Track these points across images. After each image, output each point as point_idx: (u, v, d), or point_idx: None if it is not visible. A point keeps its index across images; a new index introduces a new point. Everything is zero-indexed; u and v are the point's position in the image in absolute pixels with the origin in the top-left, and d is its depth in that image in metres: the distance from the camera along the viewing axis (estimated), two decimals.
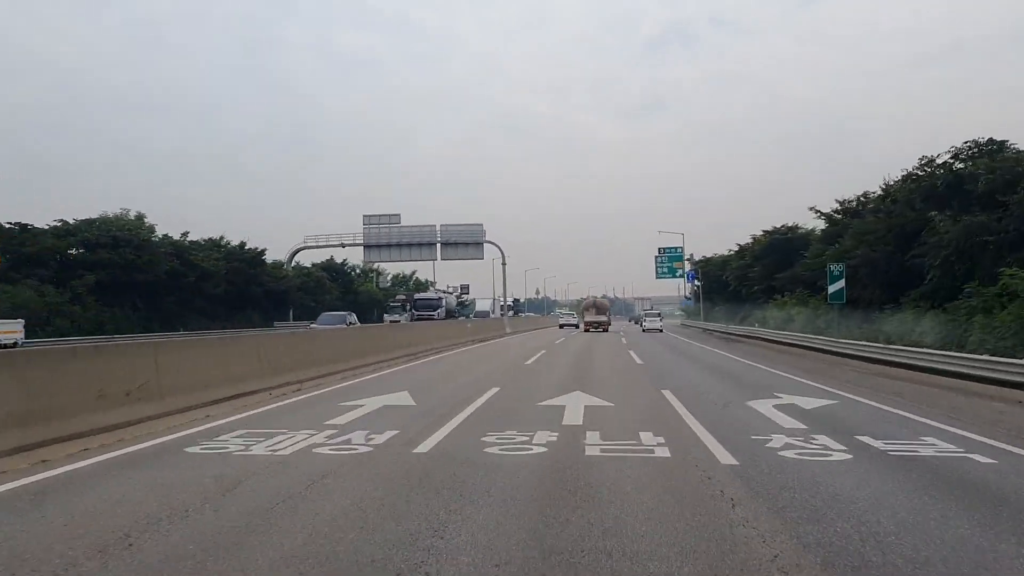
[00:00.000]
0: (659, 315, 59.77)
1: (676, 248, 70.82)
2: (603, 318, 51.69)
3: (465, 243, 66.09)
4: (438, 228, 66.19)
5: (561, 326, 63.38)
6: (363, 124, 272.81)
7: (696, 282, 71.31)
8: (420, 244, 65.84)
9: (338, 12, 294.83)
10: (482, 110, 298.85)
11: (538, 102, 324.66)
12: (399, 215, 66.55)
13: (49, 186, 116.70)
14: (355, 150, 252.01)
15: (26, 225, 42.28)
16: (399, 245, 65.85)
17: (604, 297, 64.61)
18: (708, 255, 73.49)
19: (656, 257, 70.78)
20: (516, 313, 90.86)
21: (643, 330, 54.03)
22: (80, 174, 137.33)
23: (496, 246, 69.60)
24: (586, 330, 50.36)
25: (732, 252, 64.27)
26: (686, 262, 71.18)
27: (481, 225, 66.93)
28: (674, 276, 72.55)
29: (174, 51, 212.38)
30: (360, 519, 4.85)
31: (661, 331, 51.89)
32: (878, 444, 7.56)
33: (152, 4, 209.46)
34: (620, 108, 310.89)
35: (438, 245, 66.18)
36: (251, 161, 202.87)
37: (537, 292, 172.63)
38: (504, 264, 70.36)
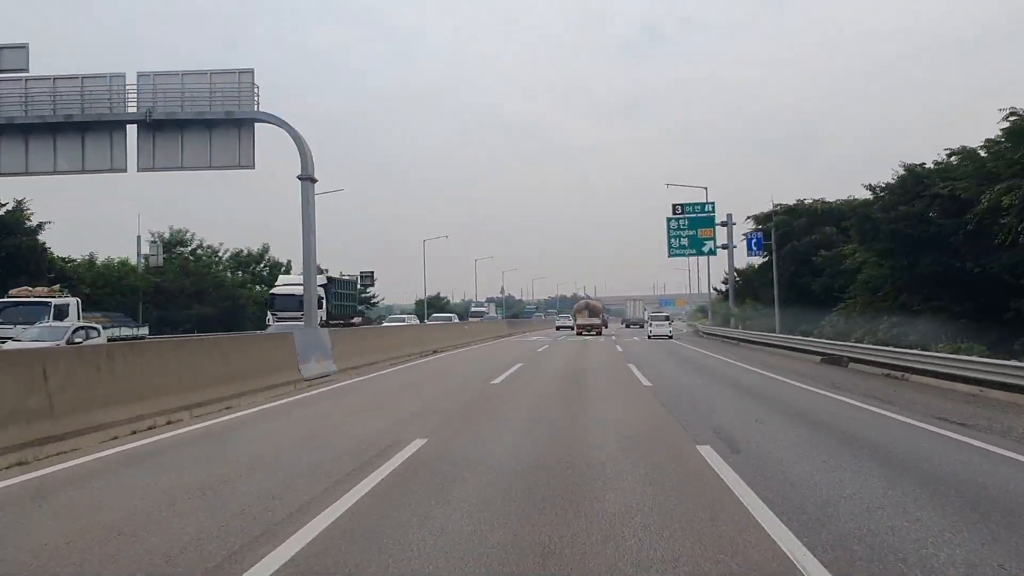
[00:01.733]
0: (667, 319, 48.59)
1: (703, 206, 45.74)
2: (596, 321, 49.75)
3: (207, 120, 21.55)
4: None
5: (558, 327, 61.44)
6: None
7: (761, 252, 42.45)
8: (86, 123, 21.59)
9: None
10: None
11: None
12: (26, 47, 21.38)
13: None
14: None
15: None
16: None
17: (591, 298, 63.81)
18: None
19: (669, 222, 45.77)
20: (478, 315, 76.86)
21: (649, 336, 43.93)
22: None
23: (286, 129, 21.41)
24: (578, 333, 48.36)
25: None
26: (722, 228, 45.90)
27: (251, 76, 21.81)
28: (700, 252, 47.40)
29: None
30: None
31: (671, 337, 42.76)
32: None
33: None
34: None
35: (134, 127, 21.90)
36: None
37: (502, 291, 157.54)
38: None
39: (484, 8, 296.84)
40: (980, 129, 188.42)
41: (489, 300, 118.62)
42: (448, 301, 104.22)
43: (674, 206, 45.58)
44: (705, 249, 46.06)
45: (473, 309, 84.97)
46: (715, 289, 57.07)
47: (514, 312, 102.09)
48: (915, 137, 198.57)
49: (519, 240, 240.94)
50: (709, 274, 77.51)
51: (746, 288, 48.85)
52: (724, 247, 46.14)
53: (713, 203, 45.44)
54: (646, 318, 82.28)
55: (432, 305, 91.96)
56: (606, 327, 74.33)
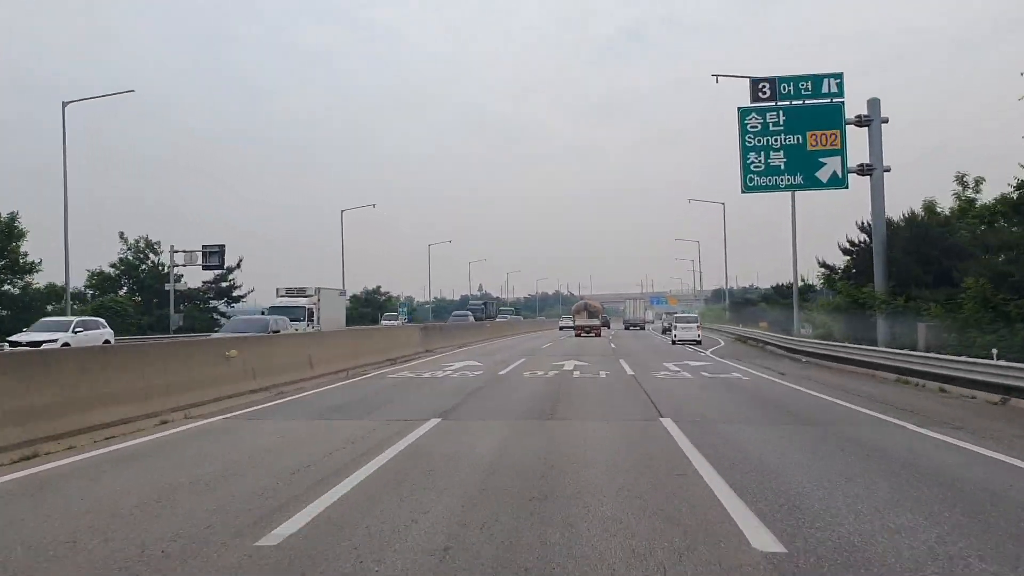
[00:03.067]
0: (696, 320, 39.62)
1: (819, 81, 22.53)
2: (595, 322, 48.91)
3: None
4: None
5: (561, 328, 60.80)
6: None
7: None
8: None
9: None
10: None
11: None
12: None
13: None
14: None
15: None
16: None
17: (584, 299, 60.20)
18: None
19: (744, 122, 22.60)
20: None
21: (674, 341, 37.25)
22: None
23: None
24: (577, 335, 46.99)
25: None
26: (858, 130, 22.64)
27: None
28: (813, 181, 23.51)
29: None
30: None
31: (698, 341, 36.46)
32: None
33: None
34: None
35: None
36: None
37: (480, 288, 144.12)
38: None
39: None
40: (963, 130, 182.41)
41: (465, 297, 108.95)
42: (391, 297, 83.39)
43: (756, 83, 22.33)
44: (824, 173, 22.54)
45: (387, 315, 69.02)
46: (827, 270, 32.45)
47: (485, 310, 75.35)
48: (899, 137, 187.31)
49: (504, 238, 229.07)
50: (726, 266, 68.51)
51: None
52: (863, 169, 22.61)
53: (840, 77, 22.12)
54: (650, 318, 76.64)
55: (369, 302, 76.28)
56: (607, 327, 68.68)
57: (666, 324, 58.97)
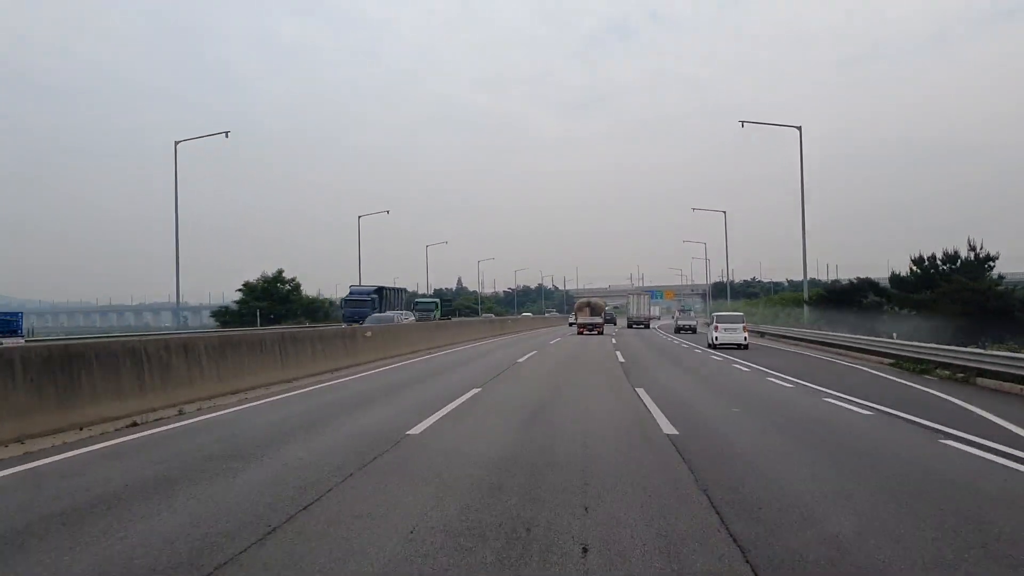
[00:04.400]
0: (741, 320, 31.45)
1: None
2: (597, 320, 48.87)
3: None
4: None
5: (570, 324, 58.81)
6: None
7: None
8: None
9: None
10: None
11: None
12: None
13: None
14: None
15: None
16: None
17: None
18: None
19: None
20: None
21: (713, 344, 30.06)
22: None
23: None
24: (579, 332, 46.97)
25: None
26: None
27: None
28: None
29: None
30: None
31: (745, 346, 29.48)
32: None
33: None
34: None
35: None
36: None
37: (458, 281, 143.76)
38: None
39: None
40: (943, 122, 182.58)
41: (438, 292, 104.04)
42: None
43: None
44: None
45: None
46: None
47: (377, 305, 50.02)
48: (879, 131, 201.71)
49: (484, 231, 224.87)
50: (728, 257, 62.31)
51: None
52: None
53: None
54: (655, 314, 71.32)
55: (267, 293, 61.00)
56: (614, 324, 66.96)
57: (681, 322, 53.76)
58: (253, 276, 63.62)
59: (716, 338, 30.02)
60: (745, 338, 30.01)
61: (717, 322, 31.10)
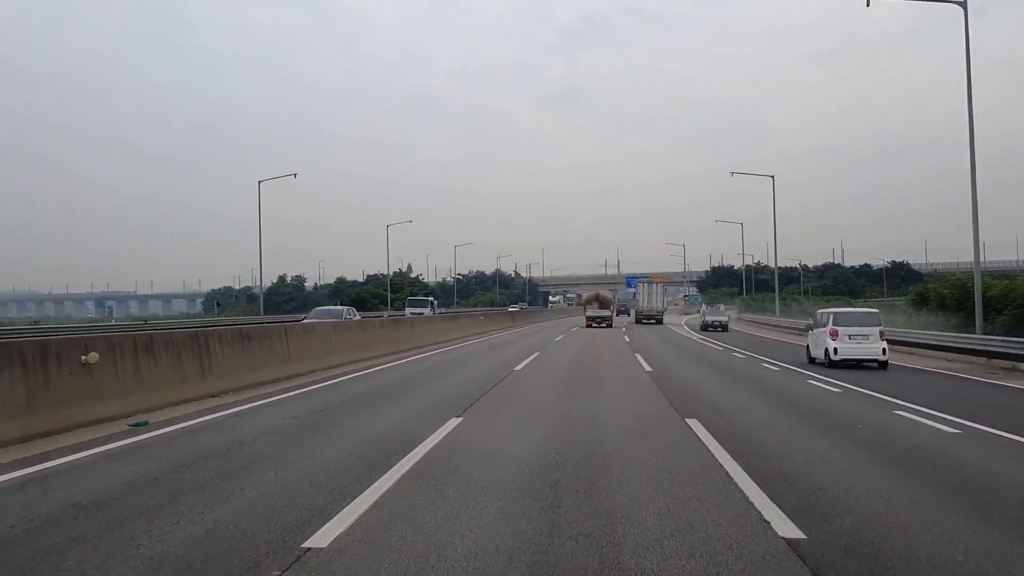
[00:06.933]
0: (877, 321, 19.49)
1: None
2: (606, 312, 50.23)
3: None
4: None
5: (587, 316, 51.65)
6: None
7: None
8: None
9: None
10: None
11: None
12: None
13: None
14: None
15: None
16: None
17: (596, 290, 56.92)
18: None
19: None
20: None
21: (832, 360, 18.78)
22: None
23: None
24: (588, 325, 47.51)
25: None
26: None
27: None
28: None
29: None
30: None
31: (884, 363, 18.87)
32: None
33: None
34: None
35: None
36: None
37: (406, 265, 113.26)
38: None
39: None
40: (920, 117, 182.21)
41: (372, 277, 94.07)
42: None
43: None
44: None
45: None
46: None
47: None
48: (856, 125, 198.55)
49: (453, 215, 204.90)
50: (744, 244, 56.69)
51: None
52: None
53: None
54: (663, 307, 58.98)
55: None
56: (627, 314, 67.87)
57: (710, 318, 45.78)
58: (249, 273, 63.86)
59: (835, 350, 18.79)
60: (884, 350, 18.90)
61: (834, 323, 19.19)
